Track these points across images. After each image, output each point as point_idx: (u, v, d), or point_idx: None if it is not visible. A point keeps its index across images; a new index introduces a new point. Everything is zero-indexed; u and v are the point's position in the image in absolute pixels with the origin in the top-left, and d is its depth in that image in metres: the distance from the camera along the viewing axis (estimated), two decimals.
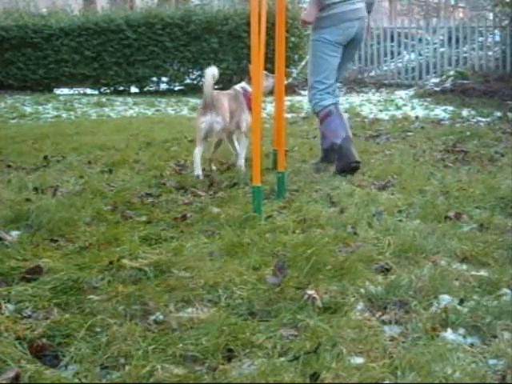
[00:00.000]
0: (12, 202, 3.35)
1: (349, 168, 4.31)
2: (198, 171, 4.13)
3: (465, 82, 11.51)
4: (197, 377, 1.65)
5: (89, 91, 12.69)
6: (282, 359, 1.72)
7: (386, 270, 2.42)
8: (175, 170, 4.49)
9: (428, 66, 13.40)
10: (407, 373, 1.65)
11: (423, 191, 3.74)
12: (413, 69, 13.62)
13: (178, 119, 8.38)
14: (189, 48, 12.08)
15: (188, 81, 12.35)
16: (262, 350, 1.78)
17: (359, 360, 1.73)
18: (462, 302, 2.10)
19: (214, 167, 4.46)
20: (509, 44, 12.64)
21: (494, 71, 12.60)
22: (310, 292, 2.11)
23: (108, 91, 12.57)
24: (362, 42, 4.98)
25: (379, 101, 10.62)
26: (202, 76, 12.41)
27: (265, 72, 4.30)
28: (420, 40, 13.78)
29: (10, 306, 2.04)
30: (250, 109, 4.29)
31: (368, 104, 10.11)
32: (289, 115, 8.21)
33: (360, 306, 2.10)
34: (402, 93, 11.77)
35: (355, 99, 10.90)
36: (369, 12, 4.67)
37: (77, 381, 1.63)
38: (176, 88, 12.45)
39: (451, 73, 12.16)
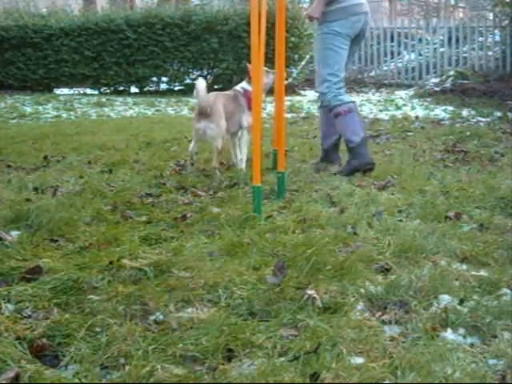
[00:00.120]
0: (12, 201, 3.35)
1: (363, 168, 4.32)
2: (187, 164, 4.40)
3: (465, 82, 11.51)
4: (197, 377, 1.65)
5: (89, 91, 12.69)
6: (282, 359, 1.72)
7: (386, 270, 2.42)
8: (175, 169, 4.49)
9: (428, 66, 13.40)
10: (407, 373, 1.65)
11: (423, 191, 3.74)
12: (413, 69, 13.62)
13: (177, 119, 8.37)
14: (189, 48, 12.08)
15: (188, 81, 12.34)
16: (262, 350, 1.78)
17: (359, 360, 1.73)
18: (461, 302, 2.10)
19: (217, 170, 4.41)
20: (509, 44, 12.64)
21: (494, 71, 12.60)
22: (309, 292, 2.11)
23: (108, 91, 12.57)
24: (363, 42, 4.97)
25: (379, 101, 10.62)
26: (201, 76, 12.42)
27: (265, 68, 4.31)
28: (420, 40, 13.79)
29: (10, 306, 2.04)
30: (250, 108, 4.30)
31: (368, 104, 10.11)
32: (289, 115, 8.21)
33: (360, 306, 2.10)
34: (402, 93, 11.77)
35: (355, 99, 10.84)
36: None
37: (77, 381, 1.63)
38: (176, 88, 12.44)
39: (451, 73, 12.16)
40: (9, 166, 4.68)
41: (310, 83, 13.24)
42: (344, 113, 4.41)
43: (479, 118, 8.17)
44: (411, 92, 11.66)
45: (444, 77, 12.14)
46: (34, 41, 12.27)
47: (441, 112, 8.94)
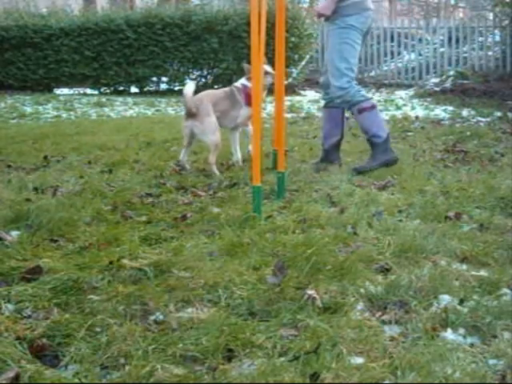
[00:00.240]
0: (12, 201, 3.35)
1: (392, 162, 4.43)
2: (185, 167, 4.52)
3: (465, 82, 11.52)
4: (197, 377, 1.65)
5: (89, 91, 12.69)
6: (282, 359, 1.72)
7: (386, 270, 2.42)
8: (175, 169, 4.49)
9: (428, 66, 13.40)
10: (407, 373, 1.65)
11: (423, 191, 3.74)
12: (413, 69, 13.62)
13: (177, 119, 8.35)
14: (189, 48, 12.08)
15: (188, 81, 12.34)
16: (262, 350, 1.78)
17: (359, 360, 1.73)
18: (461, 301, 2.10)
19: (214, 166, 4.45)
20: (509, 44, 12.64)
21: (494, 71, 12.61)
22: (309, 292, 2.11)
23: (108, 91, 12.57)
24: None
25: (379, 101, 10.61)
26: (201, 76, 12.43)
27: (268, 68, 4.37)
28: (420, 40, 13.79)
29: (10, 306, 2.04)
30: (249, 104, 4.37)
31: None
32: (289, 115, 8.22)
33: (360, 306, 2.10)
34: (402, 93, 11.77)
35: None
36: None
37: (77, 381, 1.63)
38: (176, 88, 12.44)
39: (451, 73, 12.17)
40: (9, 166, 4.68)
41: (310, 83, 13.25)
42: (369, 108, 4.45)
43: (479, 118, 8.17)
44: (411, 92, 11.66)
45: (444, 77, 12.15)
46: (34, 41, 12.27)
47: (441, 112, 8.94)
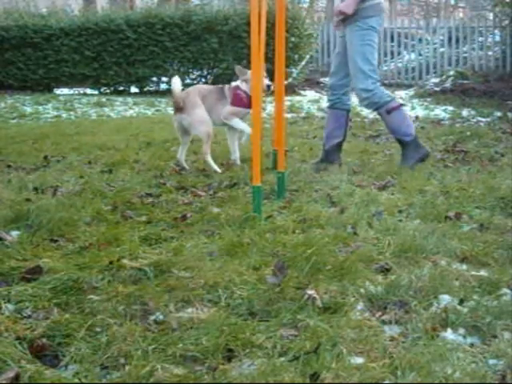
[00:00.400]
0: (12, 201, 3.35)
1: (426, 157, 4.54)
2: (183, 165, 4.58)
3: (465, 82, 11.52)
4: (197, 377, 1.65)
5: (89, 91, 12.69)
6: (282, 359, 1.72)
7: (386, 270, 2.42)
8: (175, 169, 4.49)
9: (428, 66, 13.41)
10: (407, 373, 1.65)
11: (423, 191, 3.74)
12: (413, 69, 13.63)
13: None
14: (189, 48, 12.09)
15: (188, 81, 12.33)
16: (262, 350, 1.78)
17: (359, 360, 1.73)
18: (461, 302, 2.10)
19: (209, 157, 4.52)
20: (509, 44, 12.65)
21: (494, 71, 12.61)
22: (310, 292, 2.11)
23: (108, 91, 12.58)
24: None
25: None
26: (201, 76, 12.43)
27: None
28: (420, 40, 13.80)
29: (10, 306, 2.04)
30: (234, 104, 4.58)
31: None
32: (289, 115, 8.22)
33: (360, 306, 2.10)
34: (401, 93, 11.77)
35: (355, 99, 10.88)
36: None
37: (77, 381, 1.63)
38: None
39: (451, 73, 12.17)
40: (9, 166, 4.68)
41: (310, 83, 13.26)
42: (397, 108, 4.50)
43: (479, 118, 8.18)
44: (411, 92, 11.66)
45: (444, 77, 12.15)
46: (34, 41, 12.28)
47: (441, 112, 8.95)
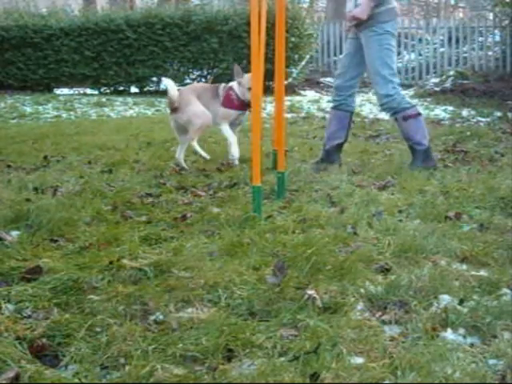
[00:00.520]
0: (12, 201, 3.35)
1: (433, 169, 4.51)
2: (181, 164, 4.60)
3: (465, 82, 11.52)
4: (197, 377, 1.65)
5: (89, 91, 12.69)
6: (282, 359, 1.72)
7: (386, 270, 2.42)
8: (175, 169, 4.49)
9: (428, 66, 13.41)
10: (407, 373, 1.65)
11: (423, 191, 3.74)
12: (413, 69, 13.63)
13: None
14: (189, 48, 12.08)
15: (188, 81, 12.33)
16: (262, 350, 1.78)
17: (359, 360, 1.73)
18: (461, 302, 2.10)
19: (196, 146, 4.59)
20: (509, 44, 12.65)
21: (494, 71, 12.62)
22: (310, 292, 2.11)
23: (108, 91, 12.58)
24: None
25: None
26: (201, 76, 12.43)
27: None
28: (420, 40, 13.80)
29: (10, 306, 2.04)
30: (224, 104, 4.59)
31: (368, 104, 10.11)
32: (289, 115, 8.21)
33: (360, 306, 2.10)
34: None
35: (355, 99, 10.88)
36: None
37: (77, 381, 1.63)
38: (176, 88, 12.44)
39: (451, 73, 12.17)
40: (9, 166, 4.68)
41: (310, 83, 13.26)
42: (414, 115, 4.51)
43: (479, 118, 8.18)
44: (411, 92, 11.65)
45: (444, 77, 12.15)
46: (34, 41, 12.27)
47: (441, 112, 8.95)
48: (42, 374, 1.64)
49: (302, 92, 12.32)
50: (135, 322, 1.94)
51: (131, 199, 3.56)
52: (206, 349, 1.77)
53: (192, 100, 4.55)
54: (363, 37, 4.46)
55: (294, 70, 11.83)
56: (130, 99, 11.08)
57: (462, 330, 1.92)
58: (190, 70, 12.47)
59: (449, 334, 1.89)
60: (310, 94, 12.06)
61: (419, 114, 4.57)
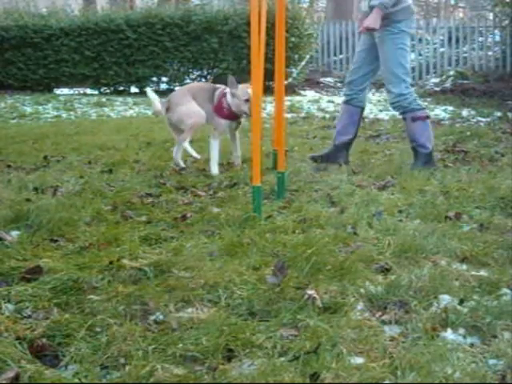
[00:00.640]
0: (12, 201, 3.35)
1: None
2: (179, 163, 4.59)
3: (465, 82, 11.53)
4: (197, 377, 1.65)
5: (89, 91, 12.69)
6: (282, 359, 1.72)
7: (386, 270, 2.42)
8: (175, 169, 4.49)
9: (428, 66, 13.40)
10: (407, 373, 1.65)
11: (423, 191, 3.74)
12: (413, 69, 13.61)
13: None
14: (189, 48, 12.08)
15: (188, 81, 12.33)
16: (262, 350, 1.78)
17: (359, 360, 1.73)
18: (461, 301, 2.10)
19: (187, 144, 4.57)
20: (509, 44, 12.65)
21: (494, 71, 12.62)
22: (310, 292, 2.11)
23: (108, 91, 12.57)
24: None
25: (379, 101, 10.63)
26: (201, 76, 12.43)
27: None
28: (420, 40, 13.81)
29: (10, 306, 2.04)
30: (215, 110, 4.49)
31: (368, 104, 10.05)
32: (289, 115, 8.21)
33: (360, 306, 2.10)
34: None
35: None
36: None
37: (77, 381, 1.63)
38: (176, 88, 12.44)
39: (451, 73, 12.18)
40: (9, 166, 4.68)
41: (310, 83, 13.26)
42: (423, 118, 4.53)
43: (479, 118, 8.17)
44: None
45: (444, 77, 12.16)
46: (34, 41, 12.27)
47: (441, 112, 8.94)
48: (41, 374, 1.64)
49: (302, 92, 12.32)
50: (135, 322, 1.94)
51: (131, 199, 3.56)
52: (206, 349, 1.77)
53: (184, 100, 4.51)
54: (378, 36, 4.49)
55: (294, 69, 11.83)
56: (129, 99, 11.08)
57: (462, 330, 1.92)
58: (190, 70, 12.47)
59: (449, 334, 1.89)
60: (310, 94, 12.06)
61: (428, 117, 4.60)
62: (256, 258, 2.50)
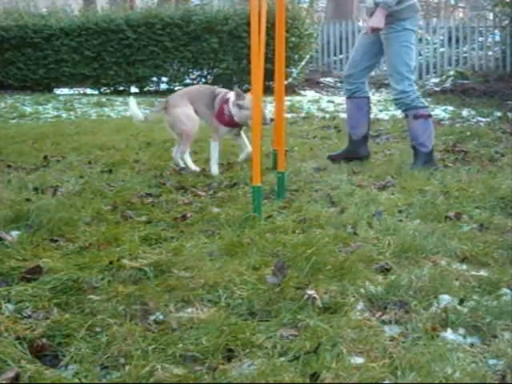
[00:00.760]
0: (12, 201, 3.35)
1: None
2: (179, 163, 4.56)
3: (465, 82, 11.52)
4: (197, 377, 1.65)
5: (89, 91, 12.68)
6: (282, 359, 1.73)
7: (386, 270, 2.42)
8: (175, 169, 4.49)
9: (428, 66, 13.40)
10: (407, 373, 1.65)
11: (423, 191, 3.74)
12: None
13: None
14: (189, 48, 12.07)
15: (188, 81, 12.33)
16: (262, 350, 1.78)
17: (359, 360, 1.73)
18: (461, 301, 2.10)
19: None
20: (509, 44, 12.64)
21: (494, 71, 12.61)
22: (310, 292, 2.12)
23: (108, 91, 12.56)
24: None
25: (379, 101, 10.62)
26: (201, 76, 12.42)
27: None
28: (420, 40, 13.80)
29: (10, 306, 2.04)
30: (216, 116, 4.40)
31: None
32: (289, 115, 8.21)
33: (360, 305, 2.10)
34: None
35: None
36: None
37: (77, 381, 1.64)
38: (176, 88, 12.43)
39: (451, 73, 12.16)
40: (9, 166, 4.68)
41: (310, 83, 13.26)
42: (425, 116, 4.55)
43: (479, 118, 8.17)
44: None
45: (444, 77, 12.14)
46: (34, 41, 12.26)
47: (441, 112, 8.94)
48: (42, 374, 1.64)
49: (302, 92, 12.32)
50: (135, 321, 1.94)
51: (131, 199, 3.56)
52: (206, 349, 1.77)
53: (181, 103, 4.48)
54: (383, 33, 4.51)
55: (294, 69, 11.82)
56: None
57: (462, 330, 1.92)
58: (190, 70, 12.46)
59: (449, 334, 1.90)
60: (310, 94, 12.05)
61: (429, 116, 4.62)
62: (256, 258, 2.50)
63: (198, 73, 12.42)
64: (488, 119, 8.04)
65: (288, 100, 9.07)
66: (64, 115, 8.98)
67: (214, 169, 4.37)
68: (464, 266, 2.49)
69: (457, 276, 2.36)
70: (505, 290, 2.22)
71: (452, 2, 32.05)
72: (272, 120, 4.27)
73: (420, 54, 13.58)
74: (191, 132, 4.46)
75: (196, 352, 1.75)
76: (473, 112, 8.71)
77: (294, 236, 2.81)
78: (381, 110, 9.29)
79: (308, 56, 12.62)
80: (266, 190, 3.62)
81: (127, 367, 1.68)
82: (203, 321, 1.95)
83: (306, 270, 2.33)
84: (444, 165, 4.70)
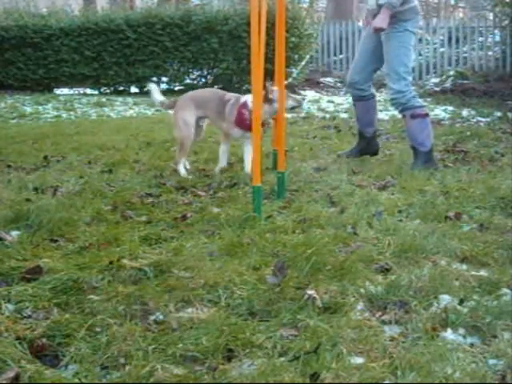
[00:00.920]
0: (12, 201, 3.35)
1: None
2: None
3: (465, 82, 11.52)
4: (197, 377, 1.65)
5: (89, 91, 12.68)
6: (282, 359, 1.73)
7: (386, 270, 2.42)
8: (175, 169, 4.49)
9: (428, 66, 13.40)
10: (407, 373, 1.65)
11: (423, 191, 3.74)
12: (413, 69, 13.62)
13: None
14: (189, 48, 12.07)
15: (188, 81, 12.33)
16: (262, 350, 1.78)
17: (359, 360, 1.73)
18: (461, 301, 2.10)
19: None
20: (509, 44, 12.65)
21: (494, 71, 12.61)
22: (310, 292, 2.12)
23: (108, 91, 12.56)
24: None
25: (379, 101, 10.55)
26: (201, 76, 12.43)
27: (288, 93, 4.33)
28: (420, 40, 13.80)
29: (10, 306, 2.04)
30: (236, 122, 4.25)
31: None
32: (289, 115, 8.21)
33: (360, 306, 2.10)
34: None
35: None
36: None
37: (77, 381, 1.64)
38: (176, 88, 12.43)
39: (451, 73, 12.17)
40: (9, 166, 4.68)
41: (310, 83, 13.25)
42: (422, 116, 4.58)
43: (479, 118, 8.17)
44: None
45: (444, 77, 12.15)
46: (34, 41, 12.26)
47: (441, 112, 8.94)
48: (41, 374, 1.64)
49: (302, 92, 12.31)
50: (135, 321, 1.94)
51: (131, 199, 3.56)
52: (206, 349, 1.77)
53: (184, 107, 4.36)
54: (383, 33, 4.55)
55: (294, 69, 11.82)
56: (130, 99, 11.07)
57: (462, 330, 1.92)
58: (190, 70, 12.45)
59: (449, 334, 1.90)
60: (310, 94, 12.05)
61: (427, 115, 4.64)
62: (256, 258, 2.50)
63: (198, 73, 12.41)
64: (488, 119, 8.05)
65: None
66: (64, 115, 8.98)
67: (217, 168, 4.40)
68: (464, 266, 2.49)
69: (457, 276, 2.36)
70: (505, 290, 2.22)
71: (452, 2, 32.06)
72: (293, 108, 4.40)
73: (420, 54, 13.59)
74: (185, 140, 4.30)
75: (196, 352, 1.75)
76: (473, 112, 8.71)
77: (294, 236, 2.81)
78: (381, 110, 9.27)
79: (308, 56, 12.60)
80: (266, 190, 3.62)
81: (127, 367, 1.68)
82: (203, 321, 1.95)
83: (306, 270, 2.34)
84: (444, 165, 4.70)
